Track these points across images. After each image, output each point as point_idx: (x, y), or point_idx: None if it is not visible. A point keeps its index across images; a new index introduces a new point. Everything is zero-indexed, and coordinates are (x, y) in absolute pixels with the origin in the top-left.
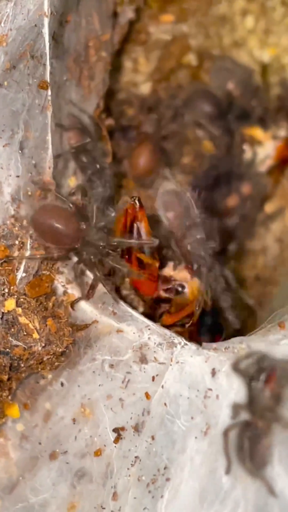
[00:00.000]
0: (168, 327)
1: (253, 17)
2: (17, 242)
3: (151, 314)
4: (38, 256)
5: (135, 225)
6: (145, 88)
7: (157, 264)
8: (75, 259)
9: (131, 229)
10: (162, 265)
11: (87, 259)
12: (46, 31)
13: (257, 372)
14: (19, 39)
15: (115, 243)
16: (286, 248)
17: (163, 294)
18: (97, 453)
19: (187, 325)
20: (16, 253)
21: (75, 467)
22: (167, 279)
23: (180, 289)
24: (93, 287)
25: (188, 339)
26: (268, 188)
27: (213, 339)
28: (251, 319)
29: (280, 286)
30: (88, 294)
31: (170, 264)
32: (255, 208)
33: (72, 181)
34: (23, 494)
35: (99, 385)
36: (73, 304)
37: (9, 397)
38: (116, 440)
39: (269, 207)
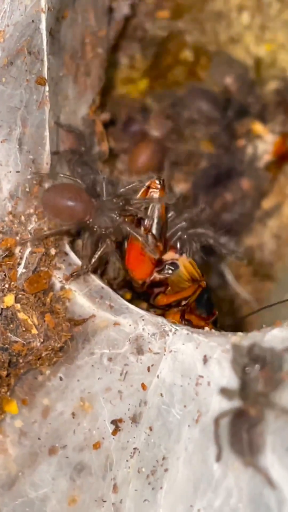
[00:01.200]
0: (163, 307)
1: (249, 13)
2: (17, 238)
3: (144, 299)
4: (48, 232)
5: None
6: (142, 85)
7: (161, 248)
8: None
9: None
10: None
11: (98, 231)
12: (43, 26)
13: (251, 360)
14: (16, 35)
15: (136, 203)
16: (283, 244)
17: (157, 276)
18: (96, 445)
19: (183, 303)
20: (17, 249)
21: (74, 461)
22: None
23: (173, 268)
24: (100, 258)
25: (180, 318)
26: (266, 184)
27: (210, 314)
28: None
29: (277, 282)
30: (90, 264)
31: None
32: (253, 204)
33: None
34: (23, 490)
35: (98, 379)
36: (73, 274)
37: (8, 393)
38: (115, 432)
39: (266, 203)
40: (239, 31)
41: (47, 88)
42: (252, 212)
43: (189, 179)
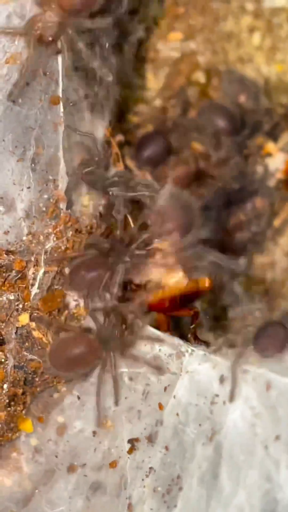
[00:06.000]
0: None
1: (260, 34)
2: (32, 258)
3: None
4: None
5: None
6: (155, 105)
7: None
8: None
9: None
10: None
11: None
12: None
13: None
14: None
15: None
16: None
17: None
18: (112, 464)
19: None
20: (31, 270)
21: (91, 480)
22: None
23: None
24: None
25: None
26: (277, 203)
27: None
28: None
29: None
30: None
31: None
32: (265, 222)
33: (86, 199)
34: (39, 507)
35: (125, 398)
36: None
37: (23, 412)
38: (130, 451)
39: (277, 222)
40: (250, 52)
41: (61, 109)
42: (265, 231)
43: (200, 198)
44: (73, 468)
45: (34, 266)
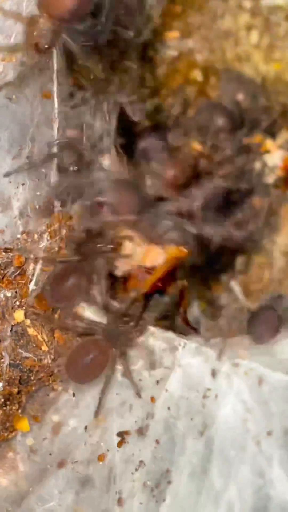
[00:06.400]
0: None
1: (258, 32)
2: (32, 255)
3: None
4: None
5: None
6: (151, 104)
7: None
8: None
9: None
10: None
11: None
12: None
13: None
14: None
15: None
16: None
17: None
18: (101, 458)
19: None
20: (31, 267)
21: (81, 474)
22: None
23: None
24: None
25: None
26: (275, 201)
27: None
28: None
29: None
30: None
31: None
32: (264, 221)
33: None
34: (31, 505)
35: (116, 394)
36: None
37: (19, 411)
38: (120, 444)
39: (275, 221)
40: (247, 50)
41: (56, 106)
42: (262, 230)
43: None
44: (63, 463)
45: (33, 262)
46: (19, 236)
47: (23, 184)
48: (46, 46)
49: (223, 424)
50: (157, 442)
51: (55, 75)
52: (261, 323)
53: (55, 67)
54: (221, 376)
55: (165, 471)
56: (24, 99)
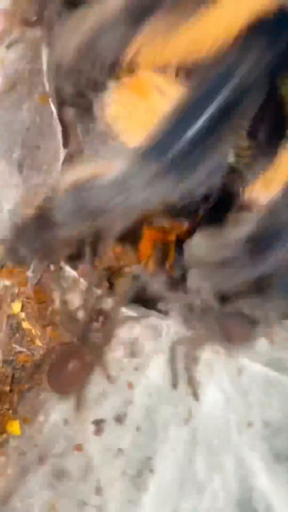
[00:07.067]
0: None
1: None
2: None
3: None
4: None
5: None
6: None
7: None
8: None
9: None
10: None
11: None
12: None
13: None
14: (18, 59)
15: None
16: None
17: None
18: (78, 448)
19: None
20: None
21: (58, 467)
22: None
23: None
24: None
25: None
26: None
27: None
28: None
29: None
30: None
31: None
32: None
33: None
34: (13, 504)
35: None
36: None
37: (10, 411)
38: (96, 433)
39: None
40: None
41: (51, 110)
42: None
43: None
44: (42, 459)
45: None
46: None
47: (16, 194)
48: (35, 18)
49: (206, 414)
50: (138, 429)
51: (45, 78)
52: (235, 330)
53: (45, 68)
54: (202, 363)
55: (146, 459)
56: (16, 104)
